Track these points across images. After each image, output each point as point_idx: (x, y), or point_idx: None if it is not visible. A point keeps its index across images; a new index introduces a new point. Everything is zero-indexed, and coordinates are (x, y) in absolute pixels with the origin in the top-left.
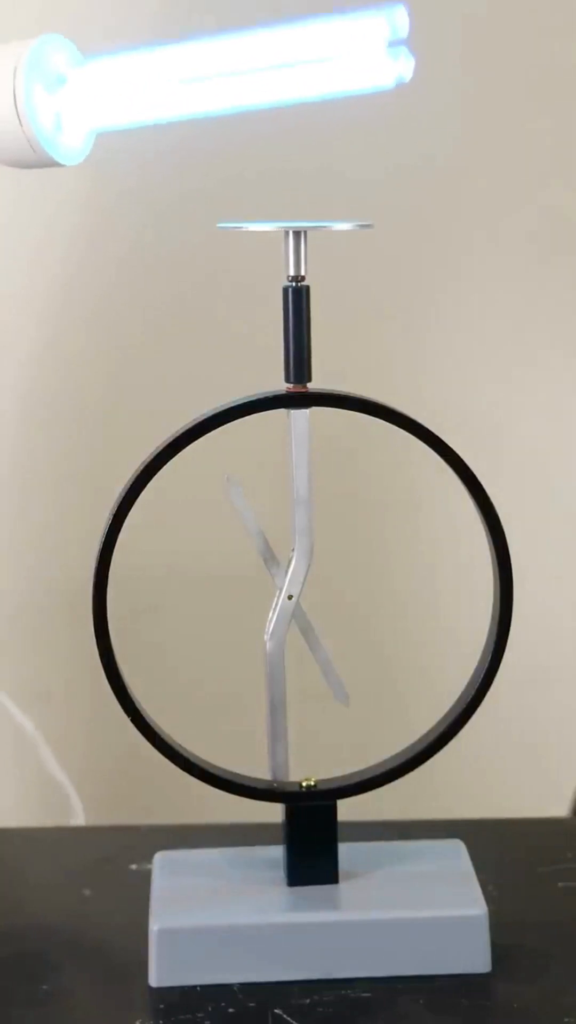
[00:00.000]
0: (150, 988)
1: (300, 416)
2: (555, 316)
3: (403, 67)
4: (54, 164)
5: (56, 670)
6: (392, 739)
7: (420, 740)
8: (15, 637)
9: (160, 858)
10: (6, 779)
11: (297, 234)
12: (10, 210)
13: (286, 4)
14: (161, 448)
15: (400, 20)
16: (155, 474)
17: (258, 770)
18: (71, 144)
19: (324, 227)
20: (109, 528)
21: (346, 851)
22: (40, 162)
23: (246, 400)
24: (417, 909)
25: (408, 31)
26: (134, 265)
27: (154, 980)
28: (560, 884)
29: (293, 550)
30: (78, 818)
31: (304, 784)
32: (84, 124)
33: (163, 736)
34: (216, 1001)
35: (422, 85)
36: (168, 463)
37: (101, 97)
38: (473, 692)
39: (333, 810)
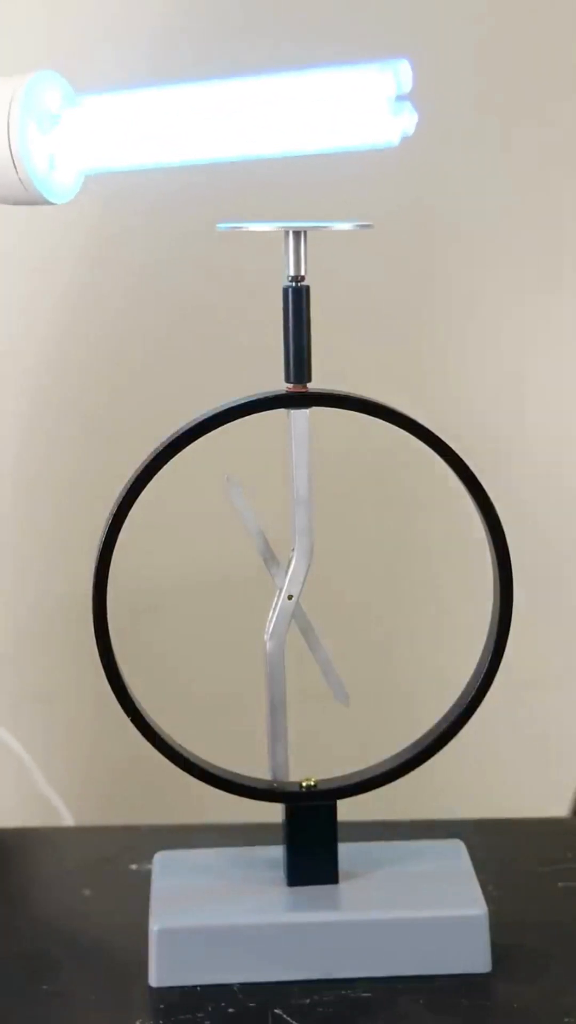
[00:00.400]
0: (150, 988)
1: (300, 416)
2: (555, 316)
3: (407, 122)
4: (44, 203)
5: (56, 671)
6: (392, 739)
7: (420, 740)
8: (15, 638)
9: (160, 858)
10: (5, 781)
11: (297, 234)
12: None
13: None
14: (161, 448)
15: (404, 75)
16: (155, 474)
17: (258, 770)
18: (63, 183)
19: (324, 227)
20: (109, 528)
21: (346, 851)
22: (30, 200)
23: (246, 400)
24: (417, 909)
25: (412, 85)
26: (135, 265)
27: (154, 980)
28: (560, 884)
29: (293, 550)
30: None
31: (304, 784)
32: (77, 165)
33: (163, 736)
34: (216, 1001)
35: (428, 91)
36: (168, 463)
37: (94, 138)
38: (473, 692)
39: (333, 810)
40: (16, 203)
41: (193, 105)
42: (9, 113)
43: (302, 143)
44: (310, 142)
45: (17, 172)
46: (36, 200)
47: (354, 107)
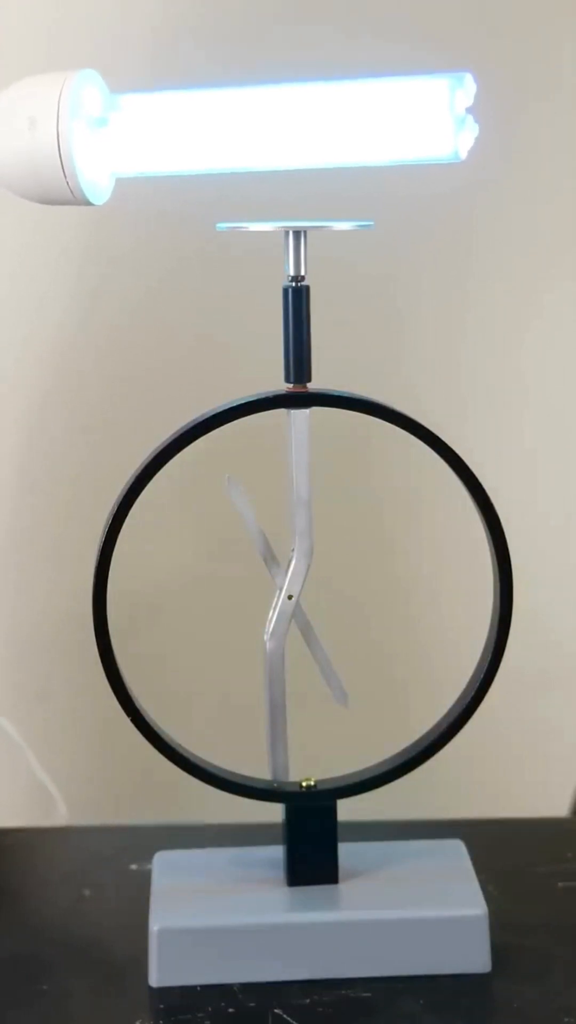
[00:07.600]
0: (150, 988)
1: (300, 416)
2: (556, 316)
3: (468, 137)
4: (84, 204)
5: (56, 670)
6: (392, 739)
7: (420, 740)
8: (16, 638)
9: (160, 858)
10: (2, 781)
11: (297, 234)
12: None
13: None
14: (161, 448)
15: (468, 88)
16: (155, 474)
17: (258, 770)
18: (103, 185)
19: (324, 227)
20: (109, 527)
21: (346, 851)
22: (70, 201)
23: (246, 400)
24: (417, 909)
25: (474, 99)
26: (134, 264)
27: (154, 980)
28: (560, 884)
29: (293, 550)
30: (62, 820)
31: (304, 784)
32: (118, 167)
33: (163, 736)
34: (216, 1001)
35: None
36: (168, 463)
37: (142, 142)
38: (473, 692)
39: (333, 810)
40: (52, 203)
41: (245, 110)
42: (58, 112)
43: (361, 155)
44: (369, 154)
45: (65, 175)
46: (77, 201)
47: (417, 120)
